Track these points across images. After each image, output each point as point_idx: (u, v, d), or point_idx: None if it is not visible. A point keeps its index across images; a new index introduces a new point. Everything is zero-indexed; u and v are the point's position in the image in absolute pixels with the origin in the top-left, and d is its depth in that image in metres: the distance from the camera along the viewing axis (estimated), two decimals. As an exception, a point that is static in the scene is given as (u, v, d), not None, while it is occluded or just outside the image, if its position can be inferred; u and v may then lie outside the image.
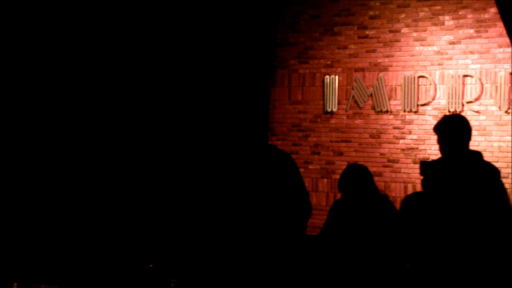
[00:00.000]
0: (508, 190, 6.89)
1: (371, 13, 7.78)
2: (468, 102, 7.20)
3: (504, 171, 6.98)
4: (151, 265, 4.29)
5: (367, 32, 7.80)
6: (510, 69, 6.94)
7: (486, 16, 7.11)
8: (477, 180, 4.03)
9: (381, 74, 7.68)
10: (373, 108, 7.72)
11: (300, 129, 8.20)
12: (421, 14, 7.49)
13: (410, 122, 7.51)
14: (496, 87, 7.06)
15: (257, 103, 8.21)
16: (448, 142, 4.12)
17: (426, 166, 4.30)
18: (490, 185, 4.05)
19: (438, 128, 4.22)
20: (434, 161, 4.33)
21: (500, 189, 4.09)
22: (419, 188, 7.26)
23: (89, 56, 6.98)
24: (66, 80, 6.81)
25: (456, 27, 7.29)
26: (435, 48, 7.40)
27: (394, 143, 7.52)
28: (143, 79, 7.35)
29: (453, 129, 4.12)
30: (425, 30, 7.46)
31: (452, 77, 7.27)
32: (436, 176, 4.11)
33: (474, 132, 7.17)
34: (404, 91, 7.52)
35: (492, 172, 4.15)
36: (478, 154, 4.28)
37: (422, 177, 4.26)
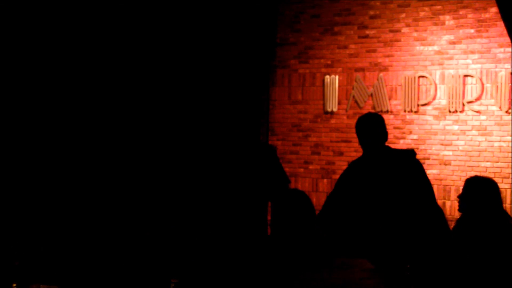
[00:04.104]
0: (508, 190, 6.90)
1: (372, 12, 7.77)
2: (468, 102, 7.19)
3: (504, 171, 6.98)
4: (151, 265, 4.28)
5: (367, 32, 7.78)
6: (511, 68, 6.92)
7: (487, 15, 7.10)
8: (400, 175, 4.30)
9: (381, 74, 7.67)
10: (374, 108, 7.70)
11: (300, 129, 8.19)
12: (422, 13, 7.47)
13: (411, 122, 7.50)
14: (497, 87, 7.04)
15: (257, 103, 8.22)
16: (368, 141, 4.38)
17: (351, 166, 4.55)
18: (413, 179, 4.31)
19: (357, 128, 4.46)
20: (356, 160, 4.54)
21: (423, 182, 4.34)
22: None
23: (87, 61, 6.97)
24: (59, 89, 6.80)
25: (456, 26, 7.28)
26: (435, 47, 7.39)
27: (394, 143, 7.50)
28: (142, 81, 7.34)
29: (371, 127, 4.39)
30: (426, 30, 7.45)
31: (453, 77, 7.25)
32: (359, 174, 4.39)
33: (474, 132, 7.18)
34: (405, 91, 7.51)
35: (414, 165, 4.39)
36: (396, 151, 4.54)
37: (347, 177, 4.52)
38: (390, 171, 4.31)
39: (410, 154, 4.44)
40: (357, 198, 4.34)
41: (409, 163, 4.36)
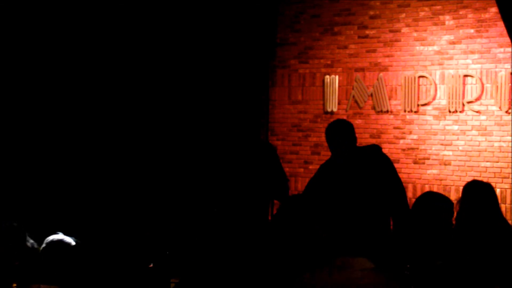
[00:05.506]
0: (508, 190, 6.89)
1: (371, 12, 7.76)
2: (468, 102, 7.18)
3: (504, 171, 6.97)
4: (151, 265, 4.28)
5: (367, 32, 7.78)
6: (511, 68, 6.92)
7: (487, 15, 7.10)
8: (372, 169, 4.70)
9: (381, 74, 7.67)
10: (373, 108, 7.70)
11: (300, 129, 8.19)
12: (422, 13, 7.47)
13: (411, 122, 7.50)
14: (497, 87, 7.04)
15: (257, 103, 8.21)
16: (345, 143, 4.74)
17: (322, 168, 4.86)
18: (384, 176, 4.73)
19: (335, 132, 4.80)
20: (328, 162, 4.86)
21: (393, 178, 4.77)
22: (419, 188, 7.25)
23: (89, 61, 6.97)
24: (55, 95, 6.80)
25: (456, 26, 7.27)
26: (435, 48, 7.38)
27: (394, 143, 7.51)
28: (142, 82, 7.35)
29: (348, 131, 4.78)
30: (426, 30, 7.45)
31: (453, 77, 7.25)
32: (337, 174, 4.72)
33: (474, 132, 7.18)
34: (405, 91, 7.51)
35: (384, 163, 4.79)
36: (363, 148, 4.87)
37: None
38: (363, 168, 4.66)
39: (376, 149, 4.82)
40: (337, 196, 4.60)
41: (377, 158, 4.76)
